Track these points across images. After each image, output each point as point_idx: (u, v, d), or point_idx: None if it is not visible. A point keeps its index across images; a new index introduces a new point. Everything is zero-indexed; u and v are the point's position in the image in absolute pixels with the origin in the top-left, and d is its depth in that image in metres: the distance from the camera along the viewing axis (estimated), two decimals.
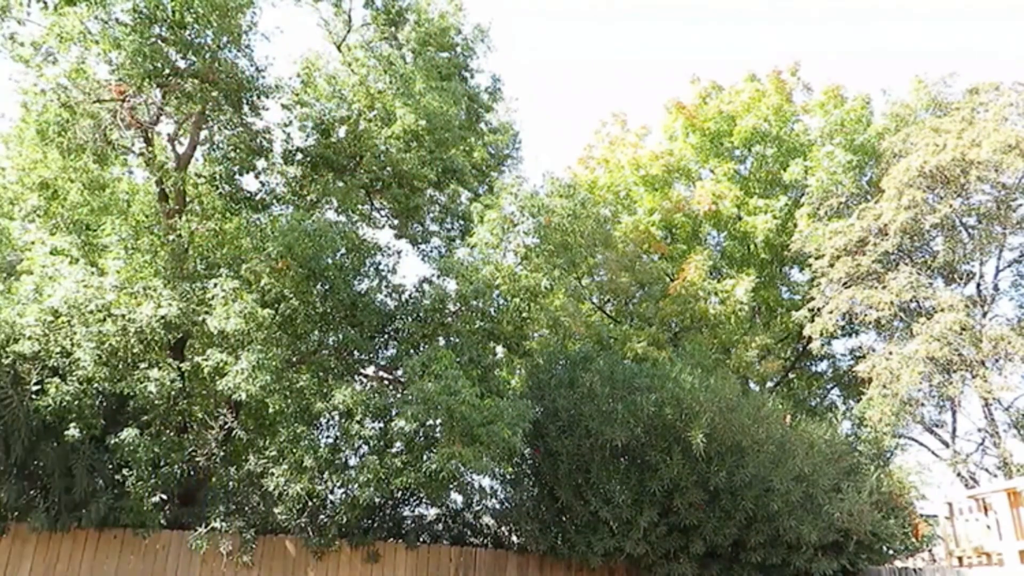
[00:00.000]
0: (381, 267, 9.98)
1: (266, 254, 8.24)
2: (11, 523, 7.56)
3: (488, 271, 9.47)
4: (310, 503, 8.69)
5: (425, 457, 8.20)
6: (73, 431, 7.41)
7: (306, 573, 8.82)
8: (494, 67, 27.50)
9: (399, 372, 9.57)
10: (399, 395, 8.91)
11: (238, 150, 9.75)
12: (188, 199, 9.76)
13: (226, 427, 8.86)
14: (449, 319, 9.55)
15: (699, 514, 9.05)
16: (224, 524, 8.30)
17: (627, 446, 9.25)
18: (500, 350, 11.21)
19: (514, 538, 10.21)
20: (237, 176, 10.10)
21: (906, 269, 12.75)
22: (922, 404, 13.05)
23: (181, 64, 8.56)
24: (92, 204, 9.26)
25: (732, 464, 9.04)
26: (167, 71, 8.41)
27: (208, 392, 8.82)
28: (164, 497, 8.35)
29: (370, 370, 10.19)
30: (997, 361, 12.28)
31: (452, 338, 9.57)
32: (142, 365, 8.19)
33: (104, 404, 8.21)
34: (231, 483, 8.95)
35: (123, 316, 7.79)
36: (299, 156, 10.40)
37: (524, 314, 10.14)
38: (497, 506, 10.42)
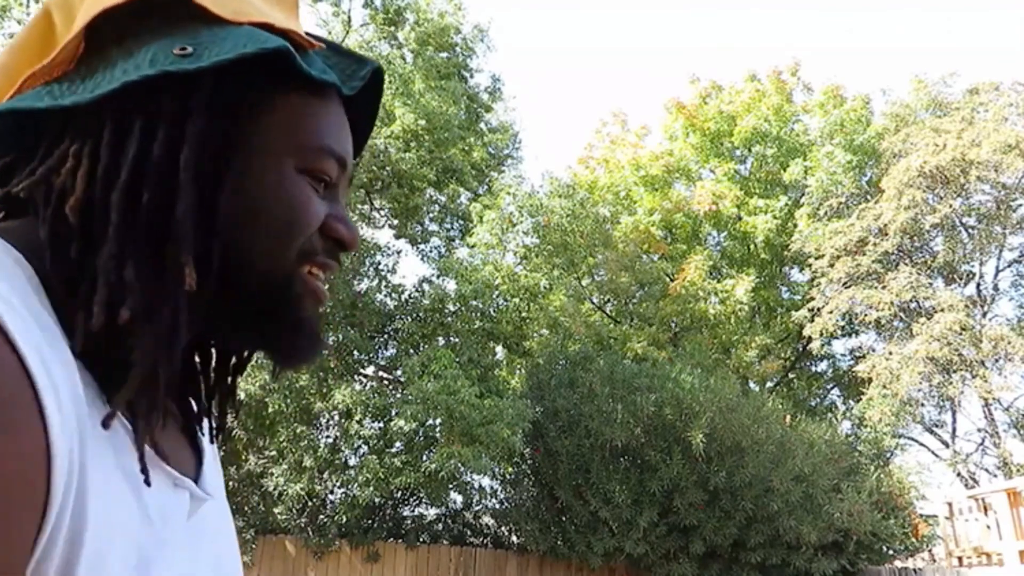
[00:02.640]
0: (381, 267, 9.98)
1: None
2: None
3: (487, 271, 9.48)
4: (310, 503, 8.70)
5: (425, 457, 8.21)
6: None
7: (306, 573, 8.82)
8: (494, 67, 27.51)
9: (399, 372, 9.58)
10: (399, 395, 8.91)
11: None
12: None
13: (226, 427, 8.87)
14: (449, 319, 9.55)
15: (699, 514, 9.05)
16: None
17: (627, 446, 9.25)
18: (500, 350, 11.21)
19: (514, 538, 10.21)
20: None
21: (906, 269, 12.74)
22: (922, 404, 13.05)
23: None
24: None
25: (732, 464, 9.04)
26: None
27: None
28: None
29: (370, 370, 10.19)
30: (997, 361, 12.28)
31: (452, 338, 9.57)
32: None
33: None
34: (231, 483, 8.95)
35: None
36: None
37: (524, 314, 10.14)
38: (497, 506, 10.42)
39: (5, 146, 0.52)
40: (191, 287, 0.48)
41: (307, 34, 0.57)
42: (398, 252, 10.52)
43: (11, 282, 0.43)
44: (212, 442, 0.66)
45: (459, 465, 7.88)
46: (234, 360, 0.64)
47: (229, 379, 0.64)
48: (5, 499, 0.37)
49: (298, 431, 8.51)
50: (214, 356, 0.63)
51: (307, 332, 0.57)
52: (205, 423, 0.65)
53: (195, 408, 0.62)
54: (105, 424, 0.44)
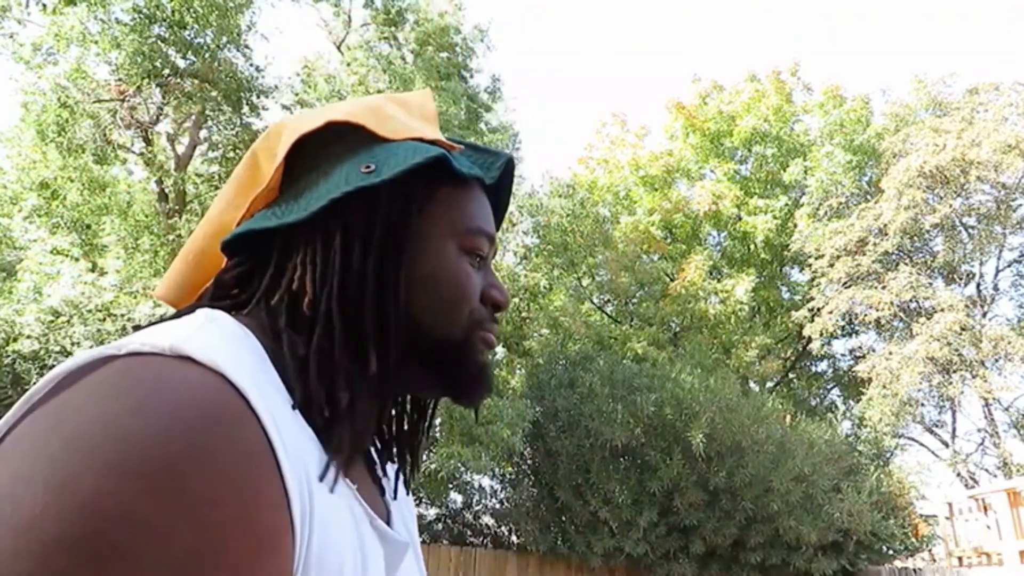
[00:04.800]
0: None
1: None
2: None
3: None
4: None
5: (425, 457, 8.20)
6: None
7: None
8: (494, 67, 27.53)
9: None
10: None
11: (238, 150, 9.76)
12: (188, 199, 9.76)
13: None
14: None
15: (699, 514, 9.05)
16: None
17: (627, 446, 9.25)
18: (500, 350, 11.20)
19: (514, 538, 10.21)
20: None
21: (906, 269, 12.75)
22: (922, 404, 13.06)
23: (181, 64, 8.56)
24: (92, 204, 9.27)
25: (732, 464, 9.04)
26: (167, 71, 8.41)
27: None
28: None
29: None
30: (997, 361, 12.28)
31: None
32: None
33: None
34: None
35: (122, 315, 7.79)
36: None
37: (524, 314, 10.14)
38: (497, 506, 10.42)
39: (244, 255, 0.65)
40: (372, 371, 0.60)
41: (448, 138, 0.71)
42: None
43: (250, 356, 0.53)
44: (408, 492, 0.77)
45: (459, 465, 7.89)
46: (420, 411, 0.76)
47: (419, 428, 0.75)
48: (271, 538, 0.44)
49: None
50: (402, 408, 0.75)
51: (484, 375, 0.68)
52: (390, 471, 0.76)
53: (382, 455, 0.74)
54: (322, 477, 0.53)
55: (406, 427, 0.74)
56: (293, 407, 0.54)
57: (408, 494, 0.78)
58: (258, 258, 0.64)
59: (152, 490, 0.39)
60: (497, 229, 0.77)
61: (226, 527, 0.41)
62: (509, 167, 0.76)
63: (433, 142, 0.67)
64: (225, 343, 0.51)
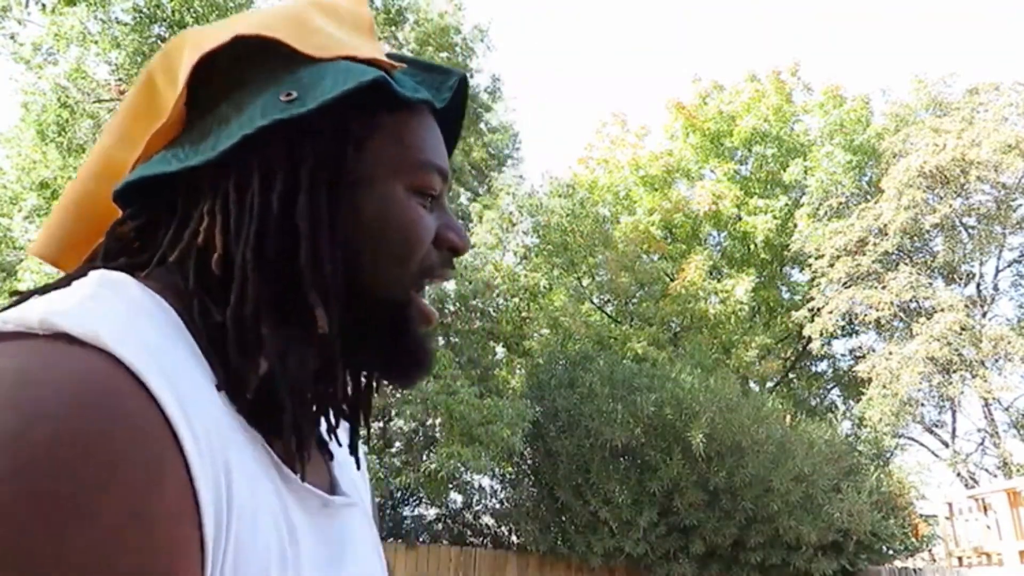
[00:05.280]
0: None
1: None
2: None
3: (487, 271, 9.47)
4: None
5: (424, 457, 8.21)
6: None
7: None
8: (494, 67, 27.51)
9: None
10: (398, 395, 8.91)
11: None
12: None
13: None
14: (448, 319, 9.56)
15: (699, 514, 9.05)
16: None
17: (627, 446, 9.25)
18: (500, 350, 11.20)
19: (514, 538, 10.21)
20: None
21: (906, 269, 12.74)
22: (922, 404, 13.05)
23: None
24: None
25: (732, 464, 9.04)
26: None
27: None
28: None
29: None
30: (997, 361, 12.28)
31: (451, 338, 9.57)
32: None
33: None
34: None
35: None
36: None
37: (524, 314, 10.13)
38: (497, 506, 10.43)
39: (144, 205, 0.54)
40: (323, 330, 0.51)
41: (388, 55, 0.59)
42: None
43: (157, 328, 0.45)
44: (359, 467, 0.70)
45: (459, 465, 7.89)
46: (363, 381, 0.65)
47: (363, 396, 0.65)
48: (173, 545, 0.38)
49: None
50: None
51: (421, 352, 0.59)
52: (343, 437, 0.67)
53: (328, 423, 0.64)
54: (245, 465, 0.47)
55: (352, 390, 0.64)
56: (218, 387, 0.47)
57: (359, 459, 0.70)
58: (160, 205, 0.54)
59: (19, 499, 0.33)
60: (449, 156, 0.67)
61: (115, 536, 0.35)
62: (462, 86, 0.64)
63: (369, 61, 0.55)
64: (122, 313, 0.43)
